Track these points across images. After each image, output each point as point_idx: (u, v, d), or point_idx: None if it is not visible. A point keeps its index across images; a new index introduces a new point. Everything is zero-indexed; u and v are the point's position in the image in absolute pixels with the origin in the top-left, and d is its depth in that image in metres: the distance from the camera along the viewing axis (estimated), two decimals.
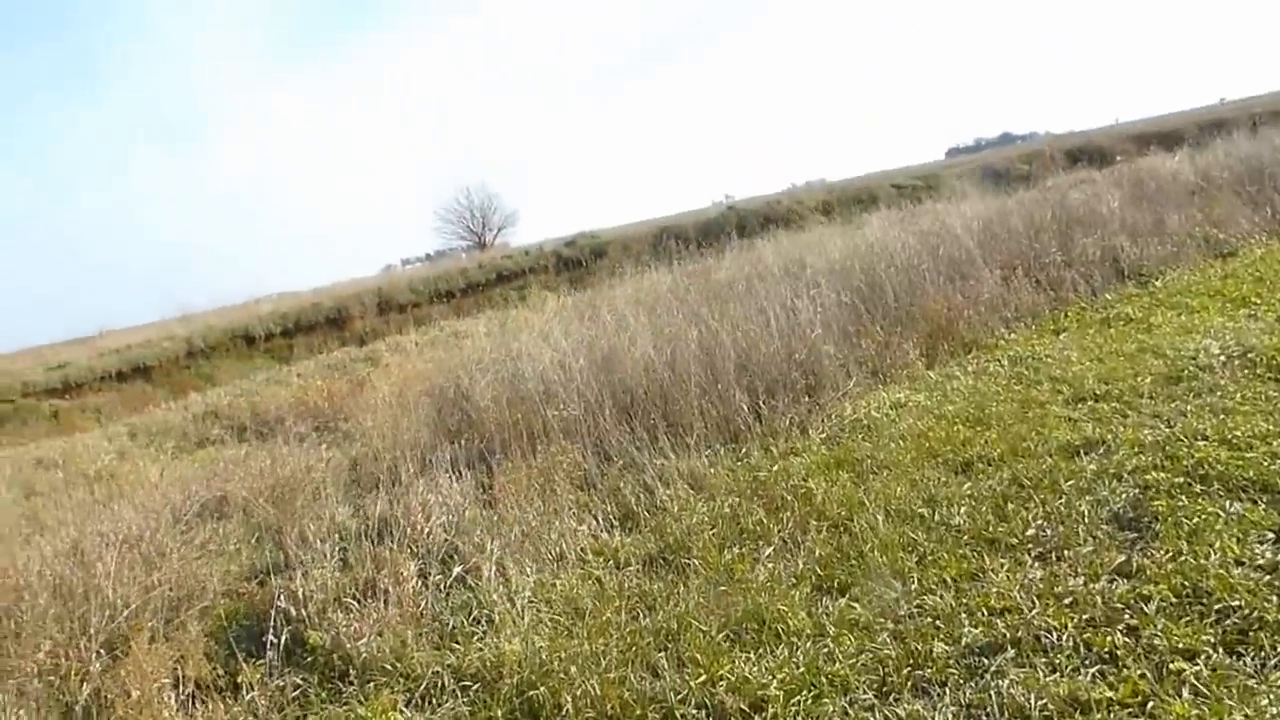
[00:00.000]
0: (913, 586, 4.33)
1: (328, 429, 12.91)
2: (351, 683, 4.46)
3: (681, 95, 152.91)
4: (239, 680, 4.43)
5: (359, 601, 4.95)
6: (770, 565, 4.87)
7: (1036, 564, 4.31)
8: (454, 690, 4.20)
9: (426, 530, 5.84)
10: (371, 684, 4.39)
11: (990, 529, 4.78)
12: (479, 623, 4.80)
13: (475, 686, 4.21)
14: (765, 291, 9.31)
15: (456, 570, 5.30)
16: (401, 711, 4.15)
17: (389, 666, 4.47)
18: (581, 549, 5.63)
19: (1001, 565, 4.35)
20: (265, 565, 6.25)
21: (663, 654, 4.14)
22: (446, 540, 5.72)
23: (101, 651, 5.07)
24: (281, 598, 4.93)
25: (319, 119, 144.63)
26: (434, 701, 4.18)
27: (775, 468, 6.45)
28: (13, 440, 20.12)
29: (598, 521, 5.98)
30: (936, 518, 5.05)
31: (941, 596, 4.17)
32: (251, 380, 20.85)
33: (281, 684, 4.39)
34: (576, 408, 7.43)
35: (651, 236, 33.11)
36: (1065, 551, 4.34)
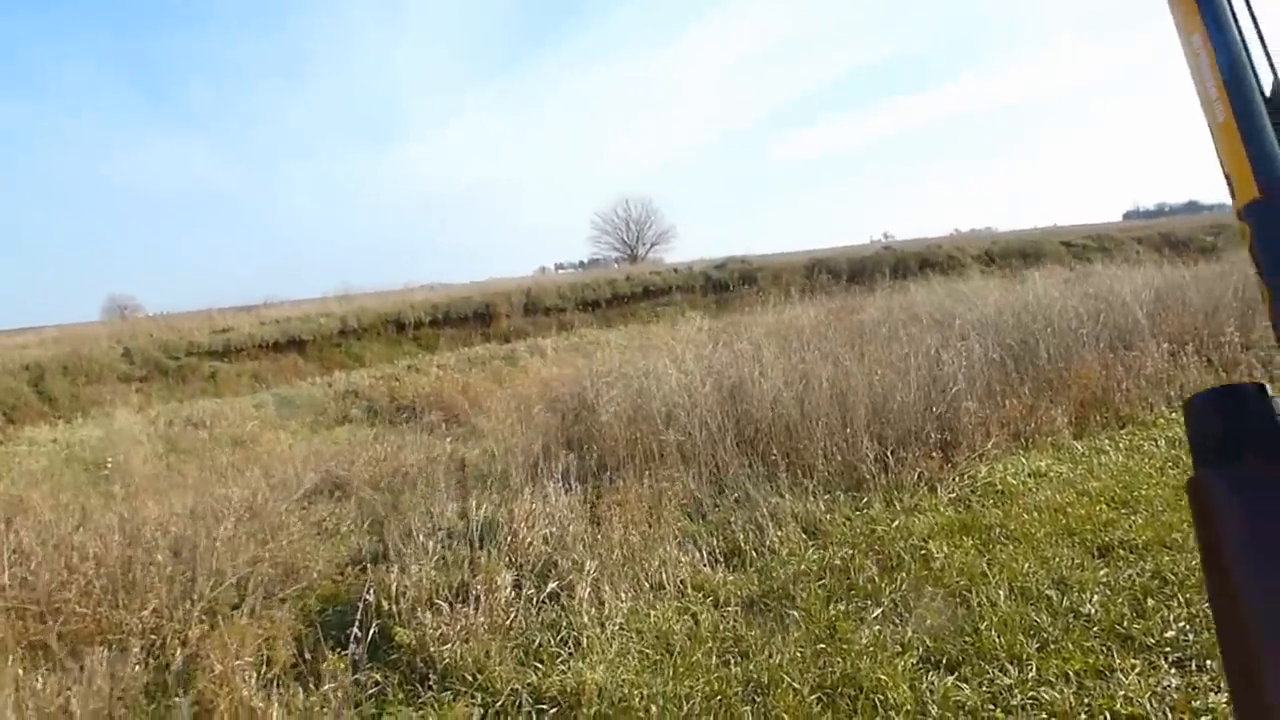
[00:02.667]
0: (1030, 675, 3.98)
1: (458, 422, 13.13)
2: (430, 687, 4.40)
3: (855, 133, 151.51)
4: (322, 669, 4.43)
5: (450, 604, 4.89)
6: (877, 628, 4.58)
7: (1173, 670, 3.92)
8: (530, 712, 4.08)
9: (528, 540, 5.76)
10: (449, 692, 4.33)
11: (1125, 624, 4.37)
12: (565, 644, 4.68)
13: (553, 710, 4.08)
14: (909, 338, 8.93)
15: (551, 586, 5.20)
16: None
17: (469, 677, 4.39)
18: (681, 580, 5.45)
19: (1133, 666, 3.96)
20: (370, 550, 6.34)
21: (749, 707, 3.93)
22: (546, 553, 5.64)
23: (203, 618, 5.18)
24: (371, 591, 4.90)
25: (496, 127, 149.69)
26: None
27: (895, 524, 6.11)
28: (172, 395, 21.33)
29: (702, 554, 5.78)
30: (1065, 603, 4.66)
31: (1061, 691, 3.81)
32: (395, 365, 21.50)
33: (361, 680, 4.34)
34: (697, 433, 7.26)
35: (803, 267, 32.71)
36: (1207, 662, 3.92)
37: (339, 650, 4.55)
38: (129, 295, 49.46)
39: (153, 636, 5.06)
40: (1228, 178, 0.66)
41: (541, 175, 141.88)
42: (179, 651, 4.75)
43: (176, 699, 4.24)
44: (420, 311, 28.66)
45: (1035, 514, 6.07)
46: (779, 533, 6.02)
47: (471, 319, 29.38)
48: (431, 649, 4.57)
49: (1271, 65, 0.65)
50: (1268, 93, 0.65)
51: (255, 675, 4.27)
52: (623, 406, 7.91)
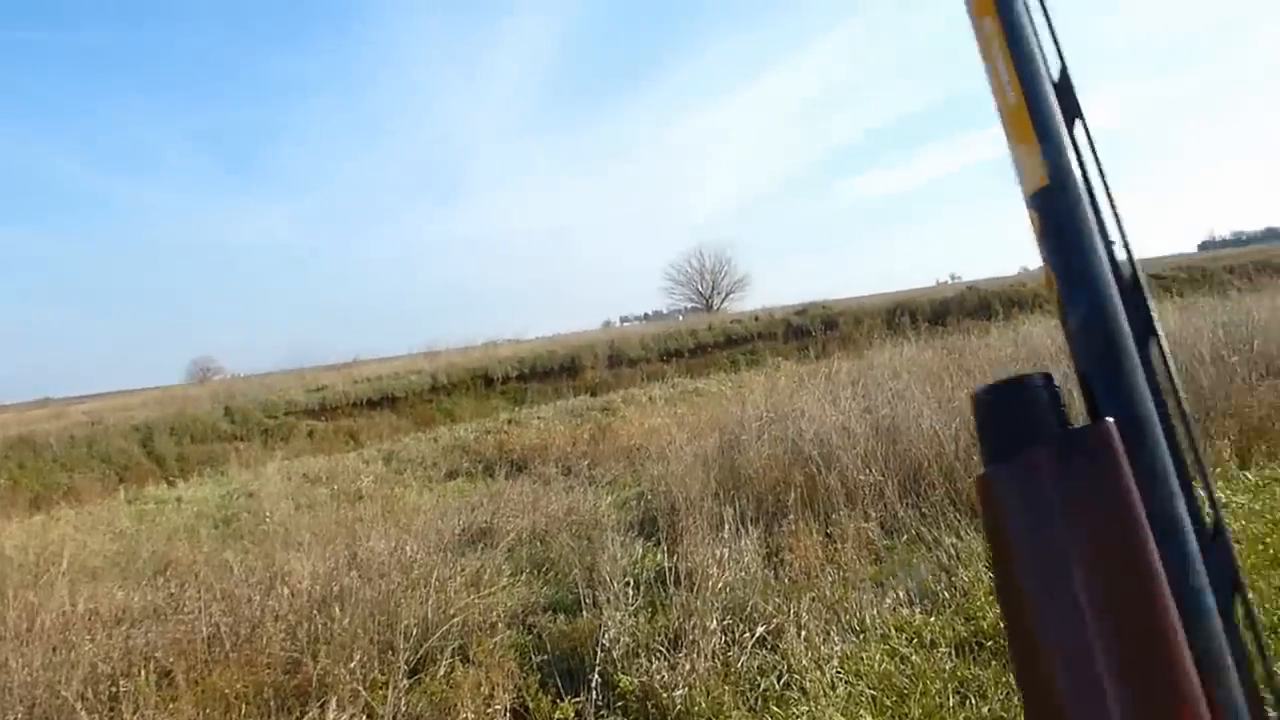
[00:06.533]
0: None
1: (573, 473, 13.19)
2: None
3: (911, 176, 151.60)
4: (555, 717, 4.42)
5: (666, 650, 4.86)
6: None
7: None
8: None
9: (719, 583, 5.73)
10: None
11: None
12: (790, 688, 4.62)
13: None
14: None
15: (760, 629, 5.14)
16: None
17: None
18: (883, 622, 5.36)
19: None
20: (550, 600, 6.35)
21: None
22: (740, 597, 5.59)
23: (405, 668, 5.21)
24: (606, 637, 4.89)
25: (557, 181, 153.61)
26: None
27: None
28: (273, 454, 21.79)
29: (898, 596, 5.69)
30: None
31: None
32: (495, 419, 21.68)
33: None
34: (860, 474, 7.19)
35: (884, 310, 32.49)
36: None
37: (565, 698, 4.56)
38: (209, 357, 50.86)
39: (358, 687, 5.09)
40: (1017, 165, 0.66)
41: (599, 228, 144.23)
42: (401, 700, 4.77)
43: None
44: (507, 366, 29.07)
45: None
46: (968, 573, 5.90)
47: (557, 372, 29.67)
48: (662, 696, 4.51)
49: (1059, 52, 0.65)
50: (1055, 79, 0.65)
51: None
52: (775, 450, 7.87)
